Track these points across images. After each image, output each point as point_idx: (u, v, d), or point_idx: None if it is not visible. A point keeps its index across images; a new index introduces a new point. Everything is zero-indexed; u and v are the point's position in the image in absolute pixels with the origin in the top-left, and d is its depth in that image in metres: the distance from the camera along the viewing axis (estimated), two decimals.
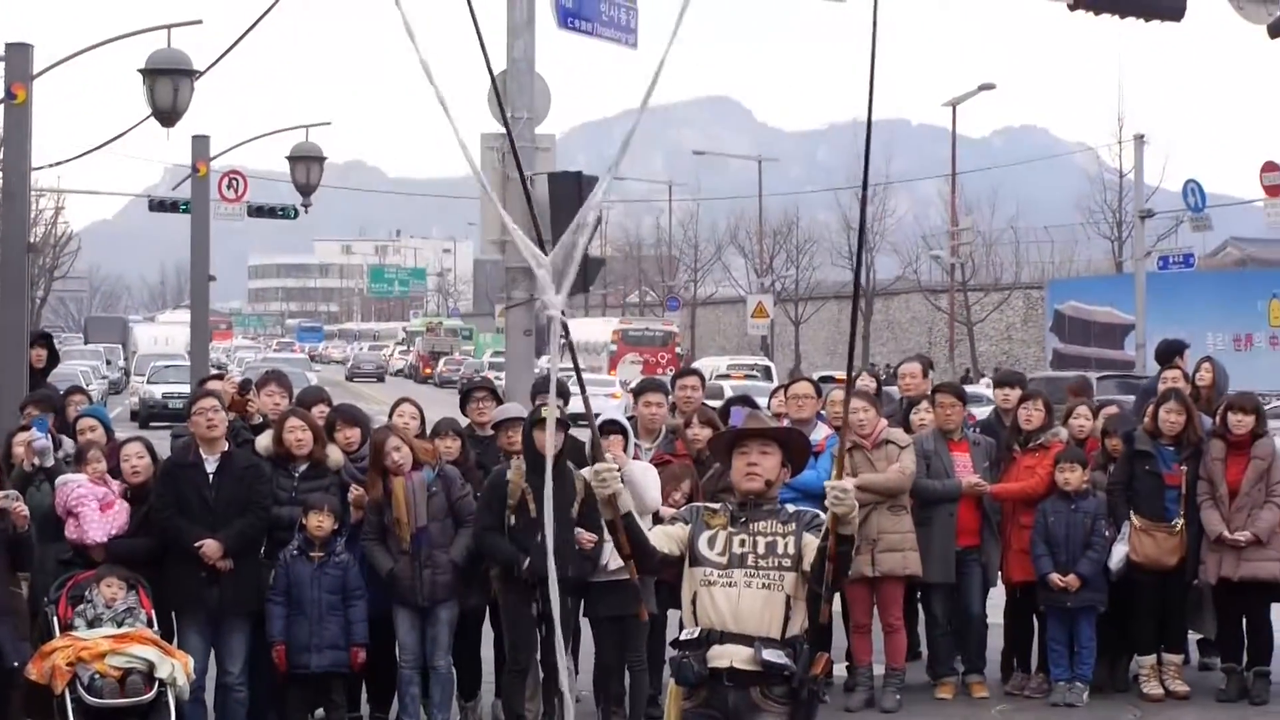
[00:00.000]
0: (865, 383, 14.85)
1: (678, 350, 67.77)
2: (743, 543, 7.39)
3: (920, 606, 14.00)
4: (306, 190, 34.74)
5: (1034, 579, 13.19)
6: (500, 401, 13.53)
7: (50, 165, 36.70)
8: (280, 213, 41.21)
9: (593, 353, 65.14)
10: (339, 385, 70.04)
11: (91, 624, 10.82)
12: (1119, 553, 13.13)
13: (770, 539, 7.38)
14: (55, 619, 10.89)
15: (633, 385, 15.48)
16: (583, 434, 12.44)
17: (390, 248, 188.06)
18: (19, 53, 18.40)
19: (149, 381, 50.22)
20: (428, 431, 12.51)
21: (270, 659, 11.40)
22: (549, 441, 7.52)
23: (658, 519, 10.88)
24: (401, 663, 11.78)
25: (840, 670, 12.99)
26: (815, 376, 19.94)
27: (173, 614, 11.42)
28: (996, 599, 13.88)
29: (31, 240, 21.09)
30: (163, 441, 13.17)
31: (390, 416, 12.60)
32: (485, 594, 12.04)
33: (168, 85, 22.74)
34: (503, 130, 17.02)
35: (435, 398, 47.30)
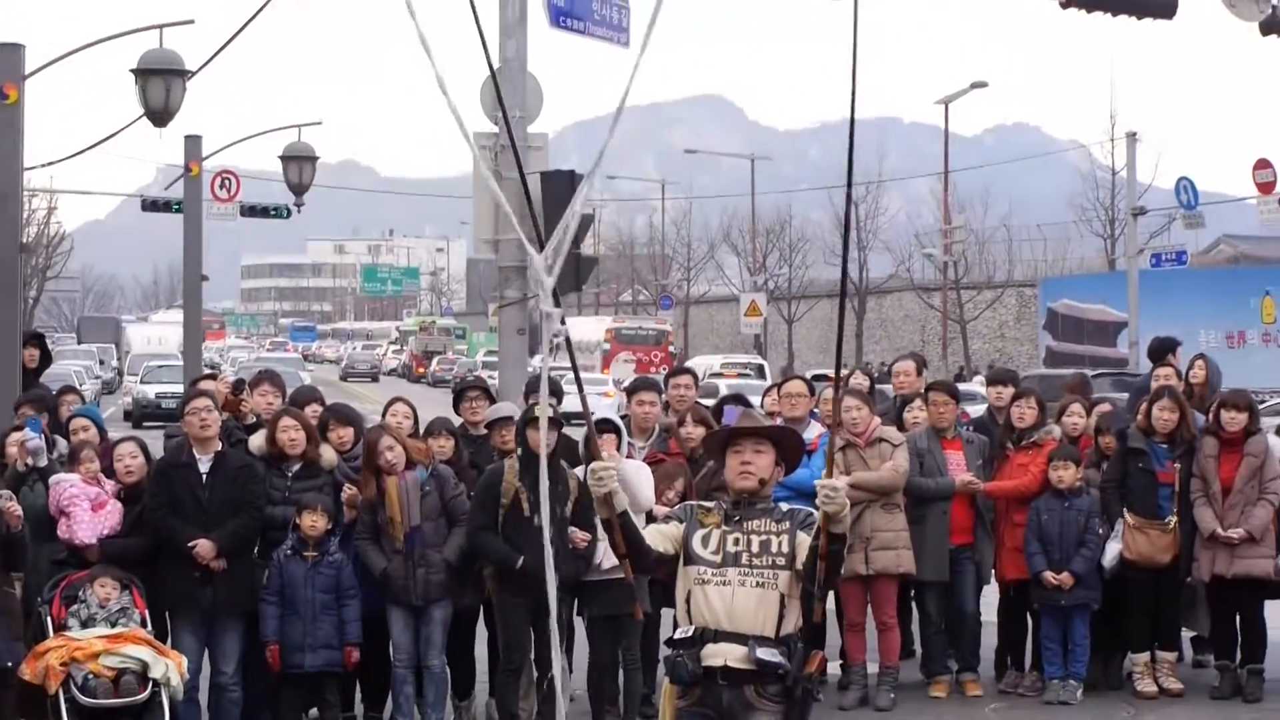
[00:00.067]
0: (859, 381, 14.85)
1: (671, 349, 67.75)
2: (737, 541, 7.40)
3: (914, 605, 13.99)
4: (299, 190, 34.71)
5: (1028, 577, 13.20)
6: (493, 401, 13.52)
7: (43, 165, 36.65)
8: (273, 212, 41.21)
9: (586, 351, 65.06)
10: (333, 385, 69.97)
11: (85, 624, 10.81)
12: (1112, 550, 13.14)
13: (764, 537, 7.39)
14: (49, 619, 10.88)
15: (626, 384, 15.47)
16: (576, 433, 12.46)
17: (383, 247, 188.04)
18: (11, 52, 18.33)
19: (142, 381, 50.21)
20: (421, 431, 12.51)
21: (264, 659, 11.39)
22: (543, 441, 7.51)
23: (651, 518, 10.87)
24: (395, 662, 11.78)
25: (834, 669, 12.99)
26: (808, 375, 19.95)
27: (166, 614, 11.41)
28: (990, 597, 13.88)
29: (24, 240, 21.10)
30: (156, 441, 13.17)
31: (383, 416, 12.60)
32: (479, 593, 12.03)
33: (160, 85, 22.71)
34: (495, 130, 17.05)
35: (428, 397, 47.28)
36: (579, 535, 11.48)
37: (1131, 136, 49.79)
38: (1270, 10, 19.93)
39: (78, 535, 11.11)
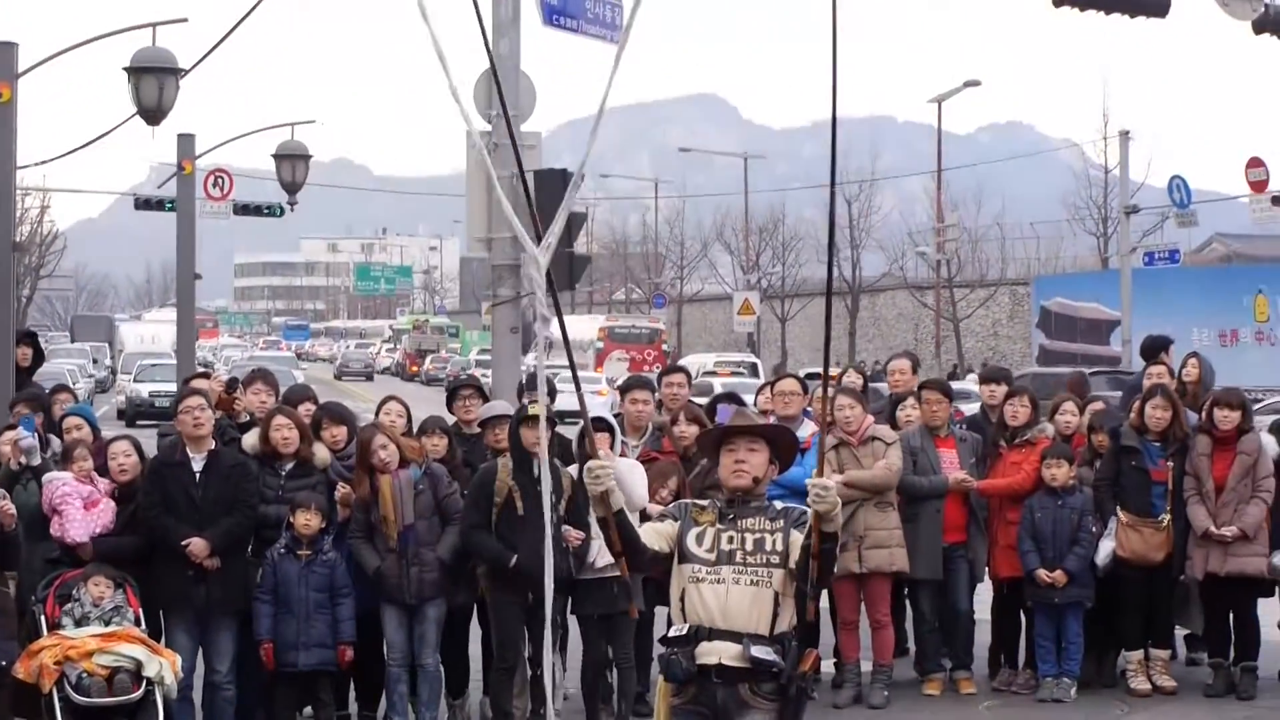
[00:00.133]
0: (852, 379, 14.86)
1: (664, 347, 67.74)
2: (731, 539, 7.40)
3: (908, 603, 14.00)
4: (292, 188, 34.70)
5: (1021, 575, 13.21)
6: (487, 399, 13.54)
7: (36, 164, 36.66)
8: (266, 211, 41.15)
9: (579, 350, 64.99)
10: (327, 383, 69.96)
11: (79, 623, 10.81)
12: (1106, 548, 13.15)
13: (758, 536, 7.39)
14: (43, 618, 10.88)
15: (619, 383, 15.47)
16: (568, 431, 12.46)
17: (376, 245, 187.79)
18: (3, 51, 18.35)
19: (135, 380, 50.21)
20: (414, 429, 12.51)
21: (258, 657, 11.39)
22: (543, 439, 7.52)
23: (645, 516, 10.87)
24: (389, 661, 11.78)
25: (828, 667, 13.00)
26: (802, 373, 19.97)
27: (160, 613, 11.42)
28: (984, 595, 13.89)
29: (17, 239, 21.07)
30: (150, 440, 13.16)
31: (377, 414, 12.60)
32: (473, 592, 12.04)
33: (153, 83, 22.69)
34: (488, 128, 17.03)
35: (422, 395, 47.31)
36: (572, 533, 11.48)
37: (1124, 135, 49.86)
38: (1263, 9, 19.94)
39: (69, 533, 11.11)
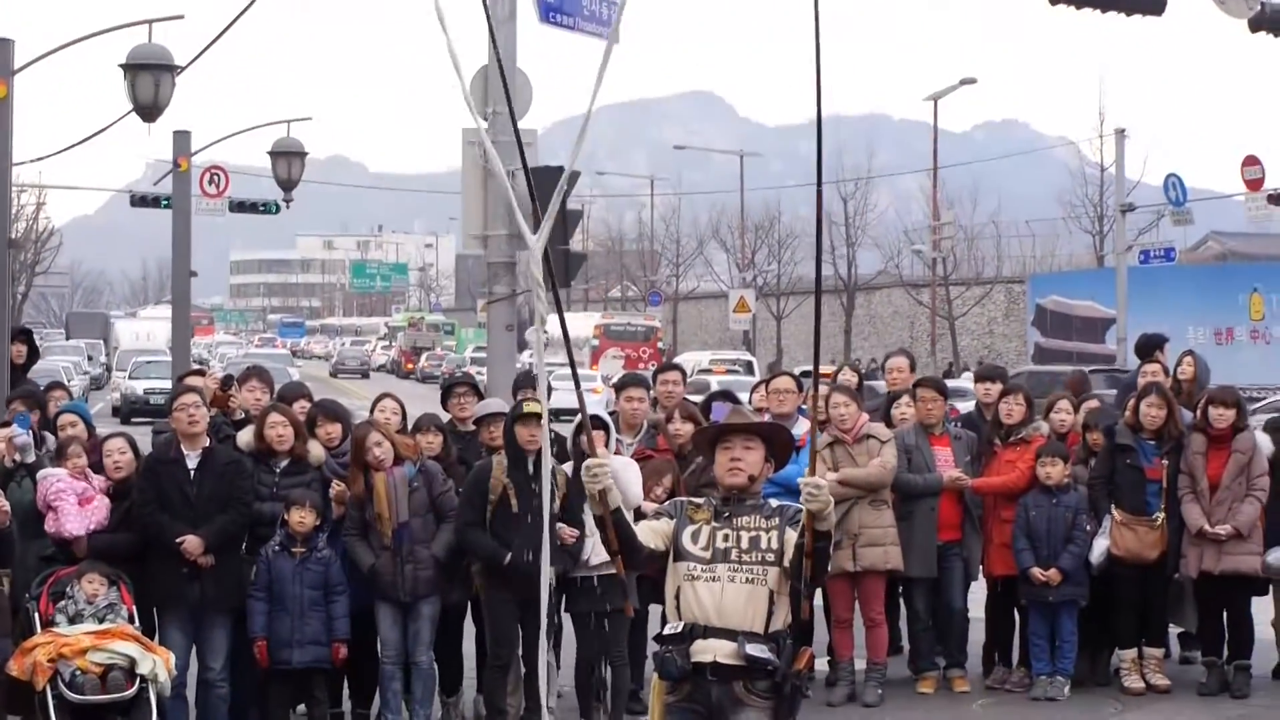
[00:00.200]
0: (847, 377, 14.86)
1: (659, 345, 67.76)
2: (726, 537, 7.40)
3: (901, 601, 14.00)
4: (288, 185, 34.68)
5: (1015, 573, 13.21)
6: (482, 397, 13.53)
7: (31, 161, 36.60)
8: (262, 208, 41.15)
9: (575, 347, 64.95)
10: (322, 381, 69.94)
11: (73, 620, 10.80)
12: (1100, 547, 13.16)
13: (754, 534, 7.39)
14: (36, 615, 10.87)
15: (614, 380, 15.47)
16: (562, 429, 12.45)
17: (372, 243, 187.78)
18: (0, 48, 18.34)
19: (130, 377, 50.21)
20: (409, 427, 12.51)
21: (252, 655, 11.38)
22: (544, 437, 7.51)
23: (639, 514, 10.87)
24: (383, 658, 11.77)
25: (822, 665, 13.00)
26: (797, 371, 19.96)
27: (154, 610, 11.41)
28: (978, 593, 13.89)
29: (13, 236, 21.05)
30: (145, 437, 13.15)
31: (371, 412, 12.59)
32: (467, 589, 12.03)
33: (149, 80, 22.67)
34: (484, 124, 16.99)
35: (417, 393, 47.28)
36: (566, 531, 11.47)
37: (1120, 133, 49.91)
38: (1259, 7, 19.95)
39: (66, 527, 11.09)
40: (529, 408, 11.29)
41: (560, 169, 17.28)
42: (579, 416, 11.14)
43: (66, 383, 21.79)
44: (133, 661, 10.55)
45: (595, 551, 11.35)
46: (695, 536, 7.44)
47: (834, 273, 69.94)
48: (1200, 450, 13.14)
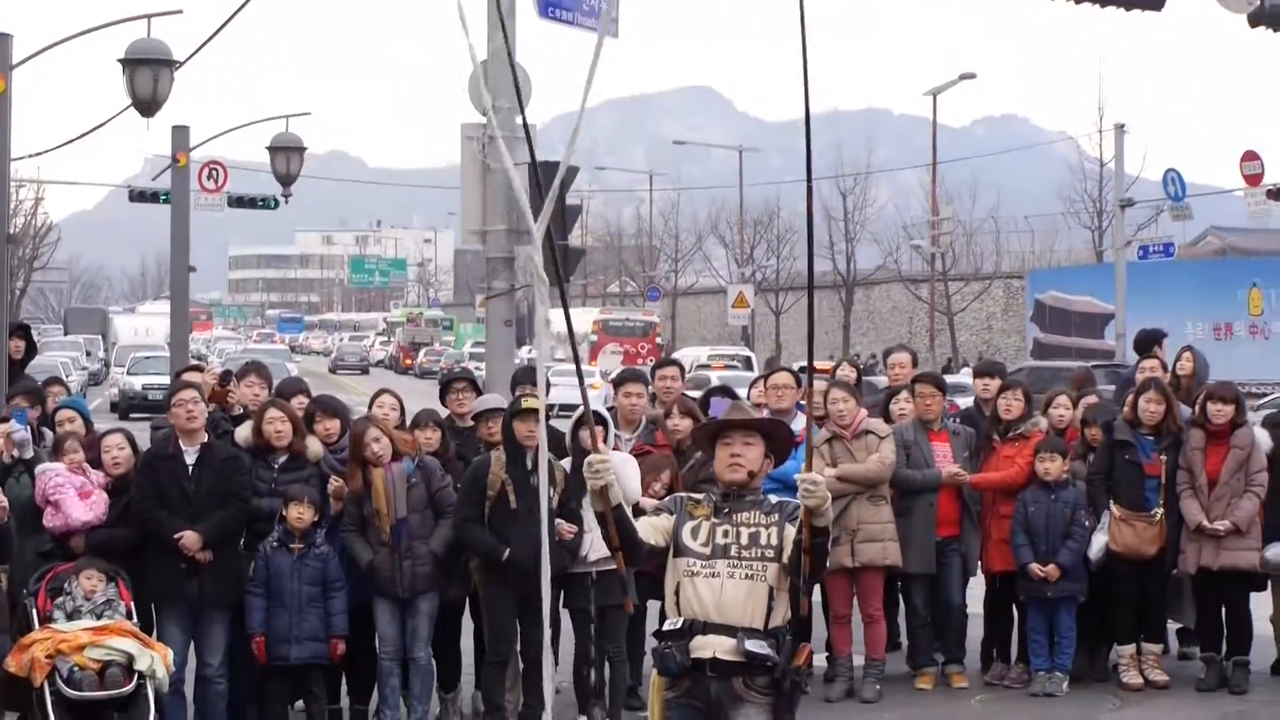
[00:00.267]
0: (845, 373, 14.85)
1: (658, 340, 67.75)
2: (726, 533, 7.40)
3: (900, 597, 14.00)
4: (287, 180, 34.63)
5: (1014, 569, 13.21)
6: (480, 392, 13.52)
7: (30, 156, 36.44)
8: (260, 203, 41.10)
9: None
10: (321, 376, 69.93)
11: (70, 616, 10.79)
12: (1098, 542, 13.16)
13: (753, 530, 7.38)
14: (34, 611, 10.86)
15: (613, 376, 15.45)
16: (560, 424, 12.44)
17: (371, 238, 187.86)
18: None
19: (129, 373, 50.17)
20: (407, 422, 12.50)
21: (250, 651, 11.37)
22: (542, 434, 7.50)
23: (638, 510, 10.87)
24: (381, 654, 11.76)
25: (820, 661, 13.01)
26: (795, 367, 19.96)
27: (152, 606, 11.40)
28: (976, 589, 13.89)
29: (11, 231, 21.02)
30: (143, 433, 13.14)
31: (370, 407, 12.58)
32: (465, 585, 12.03)
33: (147, 75, 22.64)
34: (482, 120, 16.97)
35: (415, 388, 47.28)
36: (565, 527, 11.47)
37: (1119, 128, 49.84)
38: (1258, 2, 19.92)
39: (73, 516, 11.06)
40: (527, 403, 11.30)
41: (557, 164, 17.29)
42: (577, 412, 11.16)
43: (65, 378, 21.80)
44: (131, 658, 10.54)
45: (594, 547, 11.35)
46: (695, 532, 7.44)
47: (833, 268, 69.95)
48: (1199, 446, 13.14)
